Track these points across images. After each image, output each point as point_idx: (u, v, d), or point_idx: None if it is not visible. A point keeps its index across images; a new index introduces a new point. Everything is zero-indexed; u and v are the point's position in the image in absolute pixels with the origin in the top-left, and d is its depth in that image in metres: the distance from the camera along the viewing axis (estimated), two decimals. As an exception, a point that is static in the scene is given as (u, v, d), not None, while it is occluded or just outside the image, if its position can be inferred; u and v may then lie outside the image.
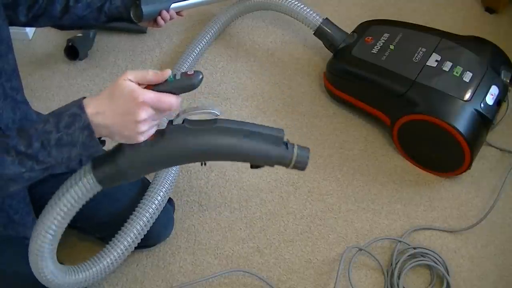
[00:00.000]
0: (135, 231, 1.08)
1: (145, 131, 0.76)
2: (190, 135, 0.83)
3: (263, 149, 0.84)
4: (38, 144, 0.74)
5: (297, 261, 1.26)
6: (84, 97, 0.76)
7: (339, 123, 1.49)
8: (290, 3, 1.47)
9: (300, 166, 0.85)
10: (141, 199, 1.13)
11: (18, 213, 1.00)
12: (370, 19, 1.53)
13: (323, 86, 1.54)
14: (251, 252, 1.27)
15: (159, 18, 1.19)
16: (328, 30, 1.48)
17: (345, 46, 1.45)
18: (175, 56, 1.61)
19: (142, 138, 0.77)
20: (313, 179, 1.39)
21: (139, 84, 0.76)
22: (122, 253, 1.05)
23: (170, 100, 0.77)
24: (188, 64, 1.51)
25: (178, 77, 0.78)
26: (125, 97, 0.74)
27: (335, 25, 1.50)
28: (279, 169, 1.40)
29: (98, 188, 0.83)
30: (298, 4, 1.47)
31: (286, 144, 0.85)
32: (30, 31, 1.69)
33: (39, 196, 1.08)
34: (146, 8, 1.16)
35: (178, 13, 1.25)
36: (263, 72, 1.60)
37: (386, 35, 1.42)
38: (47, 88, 1.57)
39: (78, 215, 1.16)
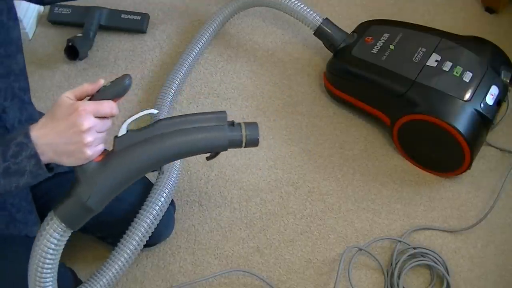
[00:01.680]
0: (140, 234, 1.08)
1: (91, 142, 0.75)
2: (138, 145, 0.81)
3: (212, 137, 0.83)
4: None
5: (297, 261, 1.26)
6: (31, 123, 0.76)
7: (339, 123, 1.49)
8: (290, 3, 1.47)
9: (253, 142, 0.85)
10: (145, 200, 1.13)
11: (20, 211, 1.00)
12: (370, 19, 1.53)
13: (323, 86, 1.54)
14: (251, 252, 1.27)
15: None
16: (328, 30, 1.48)
17: (345, 46, 1.45)
18: (175, 56, 1.61)
19: (89, 152, 0.76)
20: (313, 179, 1.39)
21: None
22: (128, 258, 1.06)
23: (109, 103, 0.76)
24: (188, 63, 1.51)
25: (111, 83, 0.78)
26: (65, 111, 0.74)
27: (335, 25, 1.50)
28: (279, 169, 1.40)
29: (68, 232, 0.82)
30: (298, 4, 1.47)
31: (232, 125, 0.84)
32: (30, 31, 1.69)
33: (42, 194, 1.08)
34: None
35: None
36: (263, 72, 1.60)
37: (386, 35, 1.42)
38: (47, 88, 1.57)
39: None
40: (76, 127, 0.73)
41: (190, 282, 1.22)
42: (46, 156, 0.75)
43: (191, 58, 1.52)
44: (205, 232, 1.31)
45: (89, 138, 0.74)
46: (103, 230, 1.21)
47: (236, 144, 0.85)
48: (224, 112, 0.85)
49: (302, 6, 1.47)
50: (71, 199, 0.80)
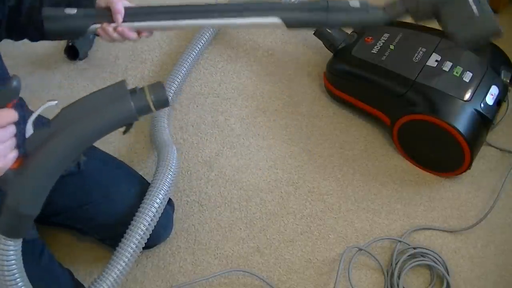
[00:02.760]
0: (138, 237, 1.07)
1: None
2: (48, 140, 0.78)
3: (118, 112, 0.80)
4: None
5: (297, 261, 1.26)
6: None
7: (339, 123, 1.49)
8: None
9: (162, 104, 0.82)
10: (141, 202, 1.13)
11: None
12: (370, 19, 1.53)
13: (323, 86, 1.54)
14: (251, 252, 1.27)
15: (101, 30, 1.00)
16: (328, 30, 1.48)
17: (345, 46, 1.45)
18: (175, 56, 1.61)
19: (0, 164, 0.73)
20: (313, 179, 1.39)
21: None
22: (128, 262, 1.06)
23: (6, 113, 0.73)
24: (188, 64, 1.51)
25: None
26: None
27: (335, 25, 1.50)
28: (279, 169, 1.40)
29: (11, 242, 0.81)
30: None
31: (135, 92, 0.81)
32: (30, 31, 1.69)
33: None
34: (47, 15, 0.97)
35: (139, 33, 1.03)
36: (263, 72, 1.60)
37: (386, 35, 1.42)
38: (47, 88, 1.57)
39: (78, 217, 1.17)
40: None
41: (190, 282, 1.22)
42: None
43: (191, 59, 1.52)
44: (205, 232, 1.31)
45: None
46: (101, 233, 1.21)
47: (145, 110, 0.81)
48: (122, 81, 0.82)
49: (302, 6, 1.47)
50: (4, 212, 0.79)
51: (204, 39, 1.56)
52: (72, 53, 1.61)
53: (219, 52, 1.64)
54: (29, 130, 0.78)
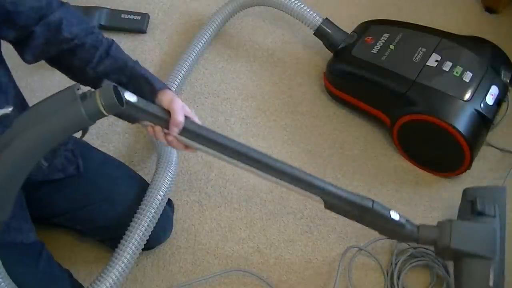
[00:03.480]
0: (135, 240, 1.07)
1: None
2: (2, 151, 0.78)
3: (69, 118, 0.78)
4: None
5: (297, 261, 1.26)
6: None
7: (339, 123, 1.49)
8: (290, 3, 1.47)
9: (113, 107, 0.80)
10: (140, 204, 1.12)
11: (14, 218, 0.99)
12: (370, 19, 1.53)
13: (323, 86, 1.54)
14: (251, 252, 1.27)
15: (150, 129, 0.94)
16: (328, 30, 1.48)
17: (345, 46, 1.45)
18: (175, 56, 1.61)
19: None
20: (313, 179, 1.38)
21: None
22: (127, 263, 1.06)
23: None
24: (189, 64, 1.50)
25: None
26: None
27: (335, 25, 1.50)
28: (279, 169, 1.40)
29: None
30: (298, 4, 1.47)
31: (85, 96, 0.79)
32: (30, 31, 1.69)
33: (36, 201, 1.08)
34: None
35: (187, 147, 0.98)
36: (263, 72, 1.60)
37: (386, 35, 1.42)
38: (47, 88, 1.57)
39: (77, 218, 1.17)
40: None
41: (190, 282, 1.22)
42: None
43: (192, 59, 1.52)
44: (205, 232, 1.30)
45: None
46: (101, 234, 1.21)
47: (97, 114, 0.79)
48: (71, 87, 0.80)
49: (302, 6, 1.48)
50: None
51: (205, 39, 1.55)
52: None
53: (219, 52, 1.64)
54: None
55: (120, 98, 0.81)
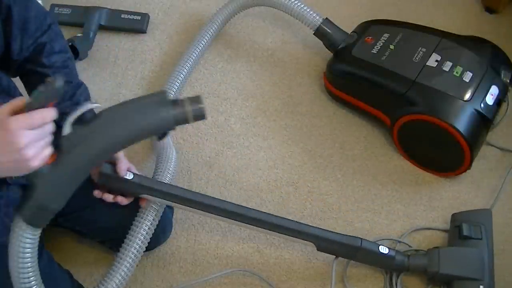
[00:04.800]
0: (137, 244, 1.07)
1: (33, 154, 0.75)
2: (86, 140, 0.82)
3: (157, 119, 0.83)
4: None
5: (297, 261, 1.26)
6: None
7: (339, 123, 1.49)
8: (290, 3, 1.47)
9: (200, 116, 0.86)
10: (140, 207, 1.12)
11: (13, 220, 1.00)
12: (370, 19, 1.53)
13: (323, 86, 1.54)
14: (251, 252, 1.27)
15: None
16: (328, 30, 1.48)
17: (345, 46, 1.45)
18: (175, 56, 1.61)
19: (34, 163, 0.76)
20: (313, 179, 1.39)
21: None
22: (130, 267, 1.06)
23: (40, 113, 0.76)
24: (190, 65, 1.50)
25: (41, 89, 0.77)
26: None
27: (335, 25, 1.50)
28: (279, 169, 1.40)
29: (36, 231, 0.85)
30: (298, 4, 1.47)
31: (176, 102, 0.84)
32: (30, 31, 1.69)
33: None
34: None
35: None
36: (263, 72, 1.60)
37: (386, 35, 1.42)
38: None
39: (77, 219, 1.17)
40: (13, 145, 0.73)
41: (190, 282, 1.22)
42: None
43: (192, 60, 1.52)
44: (205, 232, 1.31)
45: (29, 152, 0.74)
46: (101, 235, 1.20)
47: (183, 121, 0.85)
48: (163, 91, 0.85)
49: (302, 6, 1.47)
50: (31, 202, 0.82)
51: (205, 40, 1.55)
52: (72, 53, 1.60)
53: (219, 52, 1.64)
54: (67, 129, 0.81)
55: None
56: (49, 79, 0.77)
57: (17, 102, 0.76)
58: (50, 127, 0.78)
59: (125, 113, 0.83)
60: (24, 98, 0.77)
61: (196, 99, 0.85)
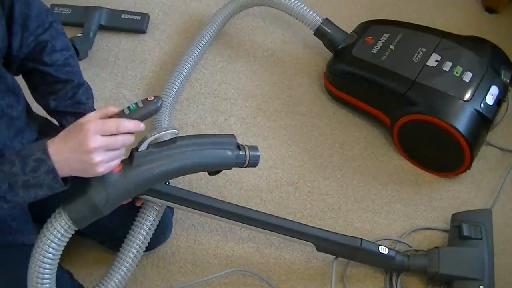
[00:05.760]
0: (137, 244, 1.06)
1: (101, 161, 0.79)
2: (157, 160, 0.88)
3: (222, 157, 0.94)
4: (5, 185, 0.78)
5: (297, 261, 1.26)
6: (49, 138, 0.80)
7: (339, 123, 1.49)
8: (290, 3, 1.47)
9: (254, 164, 0.98)
10: (140, 207, 1.12)
11: (15, 220, 0.99)
12: (370, 19, 1.53)
13: (323, 86, 1.54)
14: (251, 252, 1.27)
15: None
16: (328, 30, 1.48)
17: (345, 46, 1.45)
18: (175, 56, 1.61)
19: (100, 169, 0.80)
20: (313, 179, 1.39)
21: None
22: (130, 267, 1.05)
23: (117, 122, 0.80)
24: (190, 65, 1.50)
25: (140, 104, 0.83)
26: (76, 129, 0.78)
27: (335, 25, 1.50)
28: (279, 169, 1.40)
29: (72, 229, 0.87)
30: (298, 4, 1.47)
31: (238, 147, 0.96)
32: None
33: (37, 203, 1.07)
34: None
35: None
36: (263, 72, 1.60)
37: (386, 35, 1.42)
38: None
39: None
40: (83, 146, 0.77)
41: (190, 282, 1.22)
42: (63, 170, 0.79)
43: (192, 60, 1.52)
44: (205, 232, 1.31)
45: (97, 157, 0.78)
46: (101, 235, 1.20)
47: (239, 164, 0.97)
48: (233, 135, 0.96)
49: (302, 6, 1.47)
50: (83, 200, 0.85)
51: (205, 40, 1.55)
52: (72, 53, 1.60)
53: (219, 52, 1.64)
54: (144, 146, 0.88)
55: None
56: (150, 98, 0.83)
57: (111, 109, 0.81)
58: (126, 139, 0.82)
59: (196, 144, 0.92)
60: (114, 109, 0.82)
61: (254, 148, 0.98)
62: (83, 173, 0.81)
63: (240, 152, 0.96)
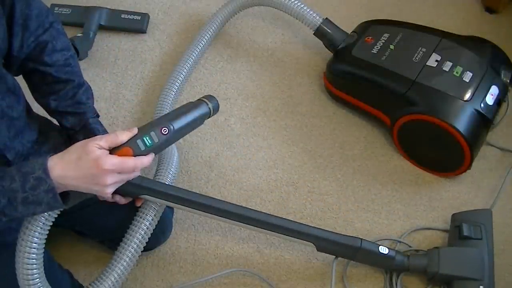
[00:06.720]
0: (135, 243, 1.06)
1: (112, 190, 0.85)
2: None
3: (195, 118, 0.98)
4: (5, 200, 0.79)
5: (297, 261, 1.26)
6: (51, 155, 0.81)
7: (339, 123, 1.49)
8: (290, 3, 1.47)
9: (216, 110, 1.04)
10: (140, 207, 1.12)
11: (15, 220, 0.99)
12: (370, 19, 1.53)
13: (323, 86, 1.54)
14: (251, 252, 1.27)
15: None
16: (328, 30, 1.48)
17: (345, 46, 1.45)
18: (175, 56, 1.61)
19: (110, 192, 0.85)
20: (313, 179, 1.39)
21: (112, 150, 0.83)
22: (127, 266, 1.05)
23: (134, 163, 0.84)
24: (190, 65, 1.50)
25: (156, 140, 0.86)
26: (90, 164, 0.80)
27: (335, 25, 1.50)
28: (279, 169, 1.40)
29: (51, 216, 0.89)
30: (298, 4, 1.47)
31: (203, 102, 1.02)
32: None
33: None
34: None
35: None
36: (263, 72, 1.60)
37: (386, 35, 1.42)
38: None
39: (77, 220, 1.17)
40: (98, 180, 0.81)
41: (190, 282, 1.22)
42: (67, 189, 0.83)
43: (192, 60, 1.51)
44: (205, 232, 1.31)
45: (109, 190, 0.84)
46: (100, 235, 1.20)
47: (207, 116, 1.02)
48: (215, 97, 1.05)
49: (302, 6, 1.47)
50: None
51: (205, 40, 1.55)
52: (72, 53, 1.60)
53: (219, 52, 1.64)
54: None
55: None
56: (164, 130, 0.87)
57: (115, 139, 0.83)
58: (137, 174, 0.88)
59: (180, 111, 0.97)
60: (122, 135, 0.84)
61: (211, 97, 1.03)
62: (89, 194, 0.87)
63: (206, 107, 1.01)
